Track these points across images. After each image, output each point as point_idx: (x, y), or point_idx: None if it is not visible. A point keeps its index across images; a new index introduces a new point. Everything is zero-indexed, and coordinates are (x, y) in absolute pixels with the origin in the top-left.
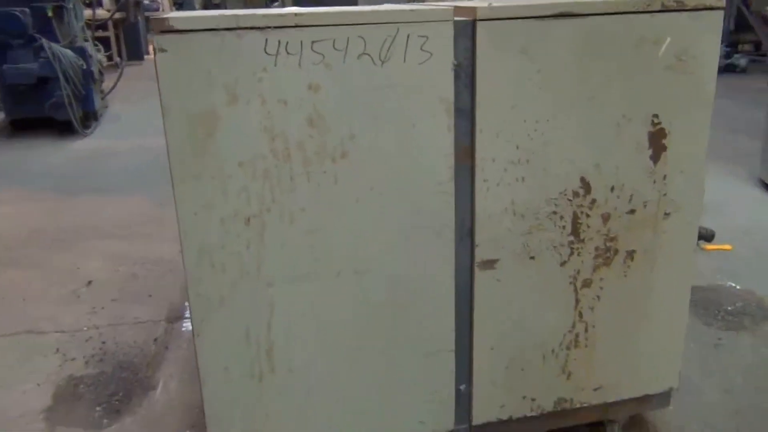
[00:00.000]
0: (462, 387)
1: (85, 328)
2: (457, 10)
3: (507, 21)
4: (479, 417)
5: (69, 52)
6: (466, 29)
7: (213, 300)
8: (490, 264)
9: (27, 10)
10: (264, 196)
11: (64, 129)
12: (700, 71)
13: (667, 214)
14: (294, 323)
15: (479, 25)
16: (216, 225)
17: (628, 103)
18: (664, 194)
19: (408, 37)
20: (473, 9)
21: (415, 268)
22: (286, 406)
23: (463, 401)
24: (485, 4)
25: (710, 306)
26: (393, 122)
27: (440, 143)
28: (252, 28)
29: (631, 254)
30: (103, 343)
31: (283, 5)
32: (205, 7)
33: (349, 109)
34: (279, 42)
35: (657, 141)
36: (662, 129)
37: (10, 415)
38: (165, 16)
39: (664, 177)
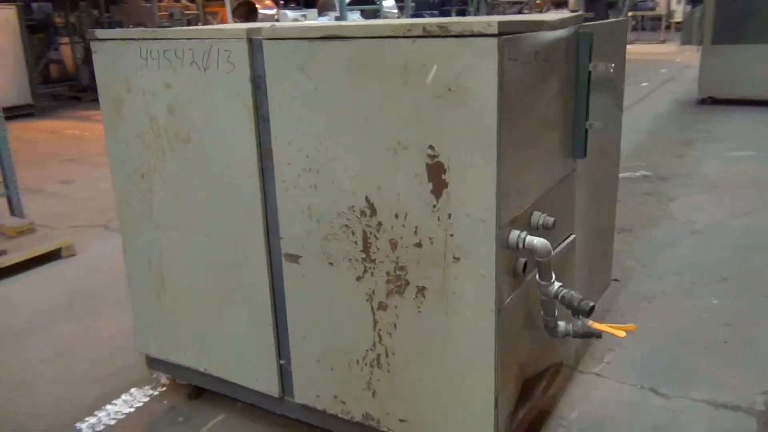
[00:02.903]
0: (282, 362)
1: None
2: (253, 30)
3: (285, 41)
4: (300, 397)
5: None
6: (258, 46)
7: (130, 230)
8: (294, 258)
9: None
10: (150, 160)
11: None
12: (474, 104)
13: (456, 258)
14: (172, 260)
15: (265, 44)
16: (126, 177)
17: (402, 130)
18: (451, 234)
19: (218, 51)
20: (261, 29)
21: (239, 243)
22: (173, 317)
23: (287, 377)
24: (280, 25)
25: None
26: (216, 119)
27: (246, 143)
28: (132, 39)
29: (422, 290)
30: None
31: None
32: None
33: (190, 104)
34: (147, 50)
35: (436, 175)
36: (440, 163)
37: None
38: (93, 30)
39: (449, 216)
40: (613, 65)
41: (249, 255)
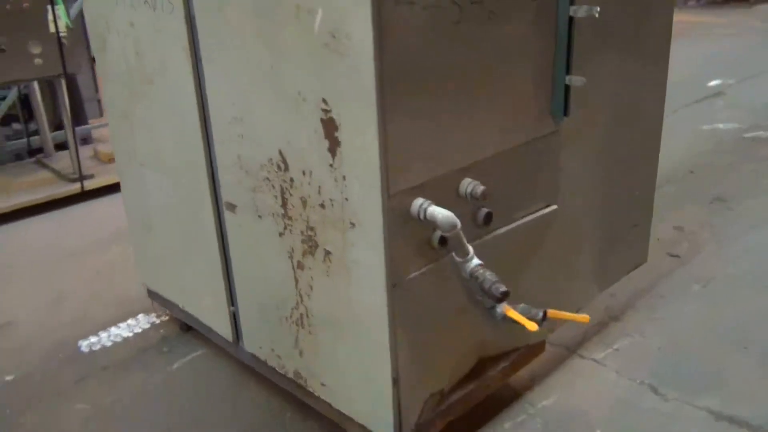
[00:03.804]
0: (233, 309)
1: None
2: None
3: None
4: (247, 345)
5: None
6: None
7: (122, 168)
8: (232, 207)
9: None
10: (130, 99)
11: None
12: (354, 55)
13: (352, 225)
14: (153, 199)
15: None
16: (115, 117)
17: (301, 81)
18: (346, 198)
19: None
20: None
21: (195, 187)
22: (159, 253)
23: (237, 323)
24: None
25: None
26: (167, 61)
27: (188, 87)
28: None
29: (328, 255)
30: None
31: None
32: None
33: (149, 46)
34: None
35: (331, 132)
36: (333, 119)
37: None
38: None
39: (344, 178)
40: (597, 9)
41: (202, 200)
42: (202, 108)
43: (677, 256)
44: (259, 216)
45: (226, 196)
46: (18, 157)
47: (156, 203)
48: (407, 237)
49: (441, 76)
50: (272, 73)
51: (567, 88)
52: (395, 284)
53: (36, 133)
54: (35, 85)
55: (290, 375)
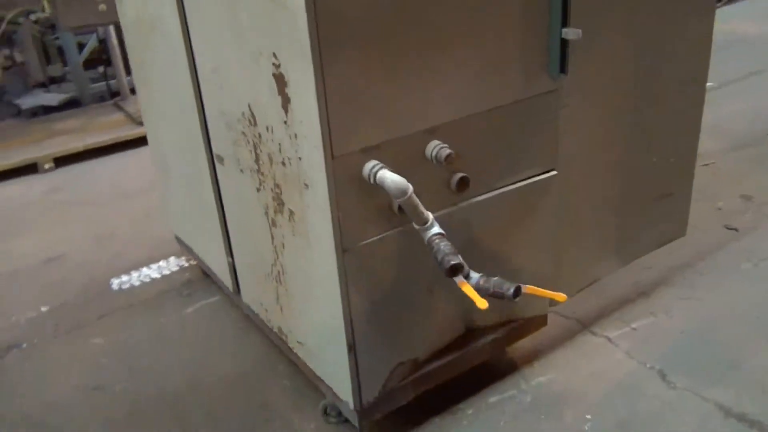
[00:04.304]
0: (230, 260)
1: None
2: None
3: None
4: (244, 296)
5: None
6: None
7: (145, 115)
8: (221, 159)
9: None
10: (142, 47)
11: None
12: (293, 4)
13: (306, 186)
14: (167, 147)
15: None
16: (137, 64)
17: (256, 34)
18: (300, 158)
19: None
20: None
21: (194, 139)
22: (178, 201)
23: (236, 274)
24: None
25: None
26: (162, 7)
27: (177, 33)
28: None
29: (292, 214)
30: None
31: None
32: None
33: None
34: None
35: (282, 88)
36: (282, 74)
37: None
38: None
39: (296, 137)
40: None
41: (198, 150)
42: (191, 56)
43: (735, 229)
44: (241, 170)
45: (215, 147)
46: (102, 98)
47: (168, 151)
48: (363, 201)
49: (396, 26)
50: (236, 25)
51: (564, 42)
52: (347, 249)
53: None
54: (111, 30)
55: (275, 330)
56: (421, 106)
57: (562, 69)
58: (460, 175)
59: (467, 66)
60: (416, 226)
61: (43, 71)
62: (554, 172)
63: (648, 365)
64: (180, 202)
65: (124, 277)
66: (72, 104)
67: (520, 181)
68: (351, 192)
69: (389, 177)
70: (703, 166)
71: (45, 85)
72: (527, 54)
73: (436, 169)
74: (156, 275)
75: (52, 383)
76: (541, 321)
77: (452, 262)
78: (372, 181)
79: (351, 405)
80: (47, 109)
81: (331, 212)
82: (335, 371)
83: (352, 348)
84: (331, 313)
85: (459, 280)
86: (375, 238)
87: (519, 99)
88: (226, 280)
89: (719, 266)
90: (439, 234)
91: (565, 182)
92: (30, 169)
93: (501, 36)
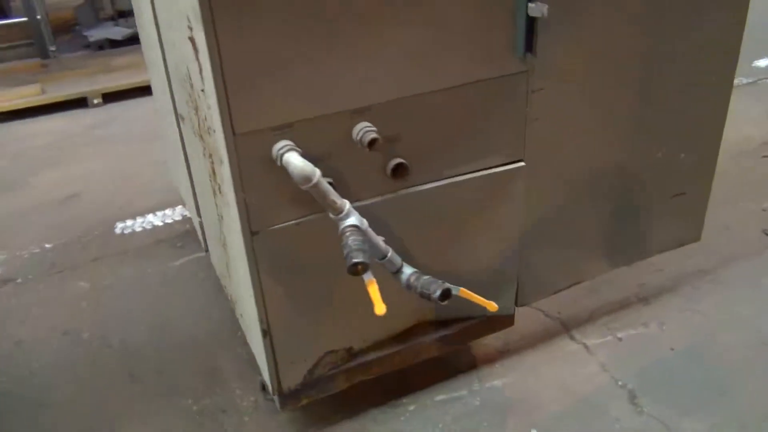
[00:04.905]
0: (199, 219)
1: None
2: None
3: None
4: (211, 256)
5: None
6: None
7: (149, 66)
8: (182, 118)
9: None
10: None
11: None
12: None
13: (221, 162)
14: (157, 95)
15: None
16: (137, 11)
17: None
18: (214, 131)
19: None
20: None
21: (162, 90)
22: (167, 141)
23: (203, 233)
24: None
25: None
26: None
27: None
28: None
29: (220, 186)
30: None
31: None
32: None
33: None
34: None
35: (195, 54)
36: (193, 38)
37: None
38: None
39: (210, 107)
40: None
41: (169, 107)
42: (153, 10)
43: None
44: (194, 132)
45: (178, 106)
46: None
47: (158, 102)
48: (275, 183)
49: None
50: None
51: (532, 20)
52: (256, 232)
53: None
54: None
55: (231, 298)
56: (347, 83)
57: (529, 48)
58: (397, 161)
59: (408, 40)
60: (331, 216)
61: (112, 4)
62: (522, 164)
63: (620, 382)
64: (171, 155)
65: (129, 222)
66: (135, 40)
67: (477, 171)
68: (261, 173)
69: (294, 161)
70: (763, 157)
71: (114, 18)
72: (487, 30)
73: (370, 153)
74: (158, 223)
75: (30, 322)
76: (506, 321)
77: (354, 260)
78: (279, 163)
79: (270, 389)
80: (113, 43)
81: (235, 193)
82: (259, 353)
83: (267, 333)
84: (249, 295)
85: (368, 278)
86: (290, 223)
87: (476, 80)
88: (200, 238)
89: (742, 276)
90: (352, 226)
91: (539, 173)
92: (80, 102)
93: (452, 7)
